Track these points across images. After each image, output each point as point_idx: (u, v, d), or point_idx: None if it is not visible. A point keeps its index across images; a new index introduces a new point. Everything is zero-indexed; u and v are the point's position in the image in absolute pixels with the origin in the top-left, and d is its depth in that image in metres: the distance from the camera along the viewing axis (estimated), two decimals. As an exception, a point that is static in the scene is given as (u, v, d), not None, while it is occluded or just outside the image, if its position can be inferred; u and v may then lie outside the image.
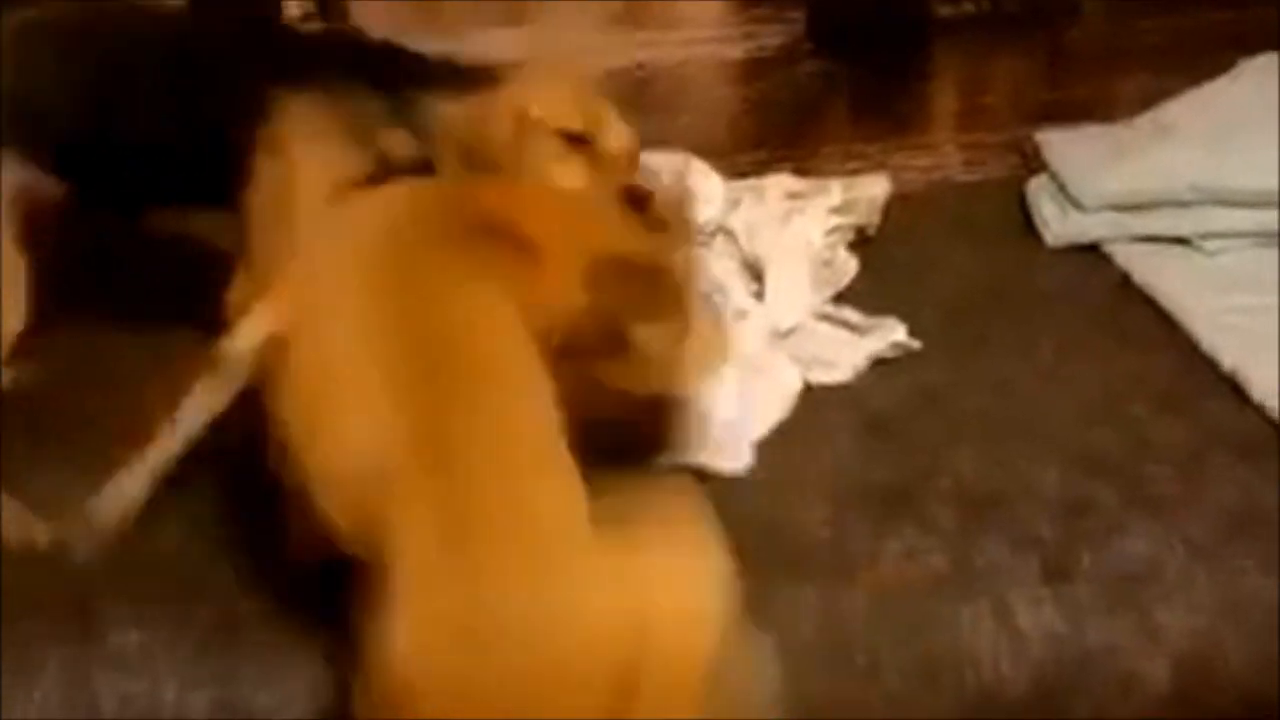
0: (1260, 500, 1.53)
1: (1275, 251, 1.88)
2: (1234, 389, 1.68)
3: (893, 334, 1.79)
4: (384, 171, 1.59)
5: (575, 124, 1.60)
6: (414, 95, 1.62)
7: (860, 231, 2.04)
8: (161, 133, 1.64)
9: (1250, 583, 1.48)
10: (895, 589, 1.48)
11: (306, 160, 1.59)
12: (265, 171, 1.60)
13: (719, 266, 1.89)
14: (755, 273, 1.91)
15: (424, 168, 1.61)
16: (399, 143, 1.62)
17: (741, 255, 1.94)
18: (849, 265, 1.97)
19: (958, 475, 1.60)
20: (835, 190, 2.01)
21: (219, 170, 1.61)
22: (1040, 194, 2.05)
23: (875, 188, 2.06)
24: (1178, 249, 1.92)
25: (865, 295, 1.91)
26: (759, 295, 1.87)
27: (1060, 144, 2.08)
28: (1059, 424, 1.67)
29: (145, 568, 1.50)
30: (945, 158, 2.16)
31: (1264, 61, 2.03)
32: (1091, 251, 1.98)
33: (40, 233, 1.64)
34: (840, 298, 1.91)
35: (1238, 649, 1.47)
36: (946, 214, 2.07)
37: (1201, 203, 1.91)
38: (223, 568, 1.51)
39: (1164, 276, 1.87)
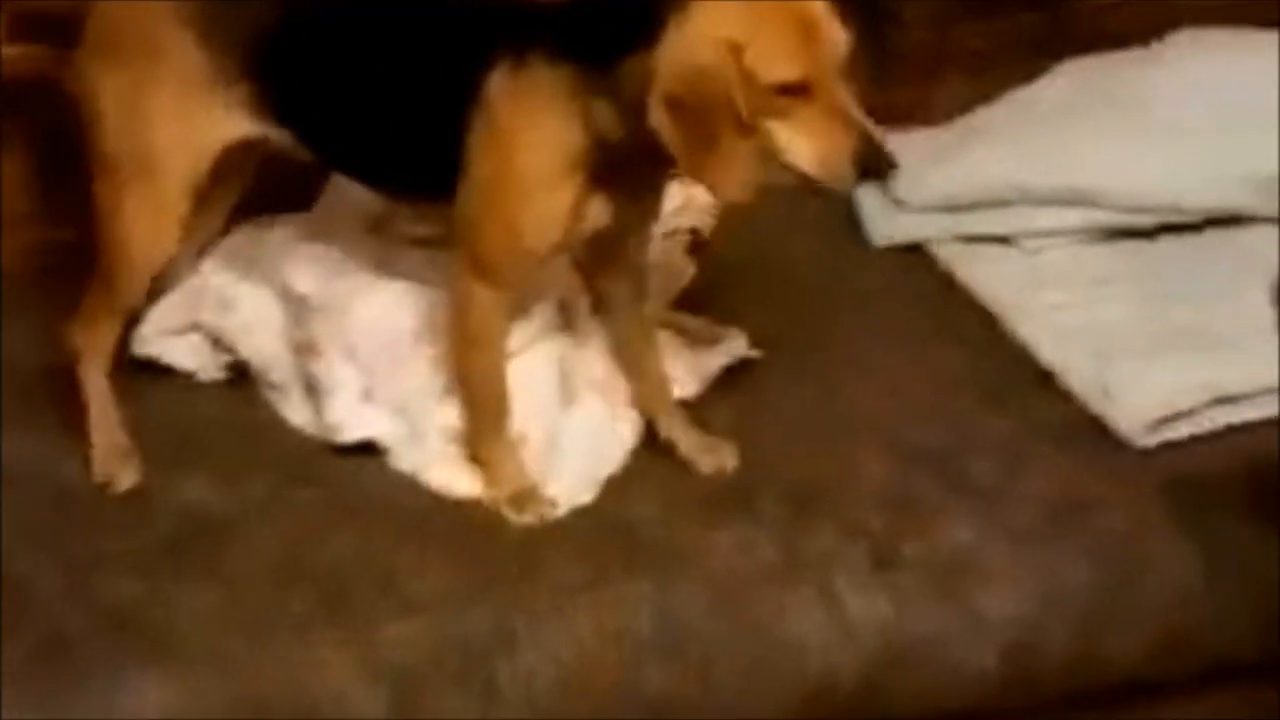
0: (1078, 488, 1.66)
1: (1091, 248, 2.02)
2: (1051, 382, 1.80)
3: (737, 348, 1.86)
4: (601, 150, 1.50)
5: (794, 72, 1.42)
6: (612, 58, 1.47)
7: (695, 234, 2.12)
8: (386, 109, 1.60)
9: (1070, 569, 1.60)
10: (727, 580, 1.56)
11: (528, 142, 1.52)
12: (482, 157, 1.54)
13: (559, 277, 1.94)
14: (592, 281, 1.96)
15: (630, 142, 1.49)
16: (605, 115, 1.49)
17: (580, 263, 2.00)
18: (686, 269, 2.05)
19: (788, 472, 1.70)
20: (674, 192, 2.07)
21: (442, 160, 1.56)
22: (867, 195, 2.15)
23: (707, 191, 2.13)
24: (998, 247, 2.04)
25: (703, 300, 1.99)
26: (597, 306, 1.92)
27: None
28: (886, 420, 1.77)
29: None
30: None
31: (1077, 64, 2.17)
32: (917, 251, 2.10)
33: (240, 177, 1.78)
34: (679, 303, 1.99)
35: (1059, 635, 1.59)
36: (778, 215, 2.16)
37: (1020, 202, 2.03)
38: (47, 576, 1.52)
39: (985, 274, 1.99)
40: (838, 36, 1.45)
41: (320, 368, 1.73)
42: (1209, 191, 1.98)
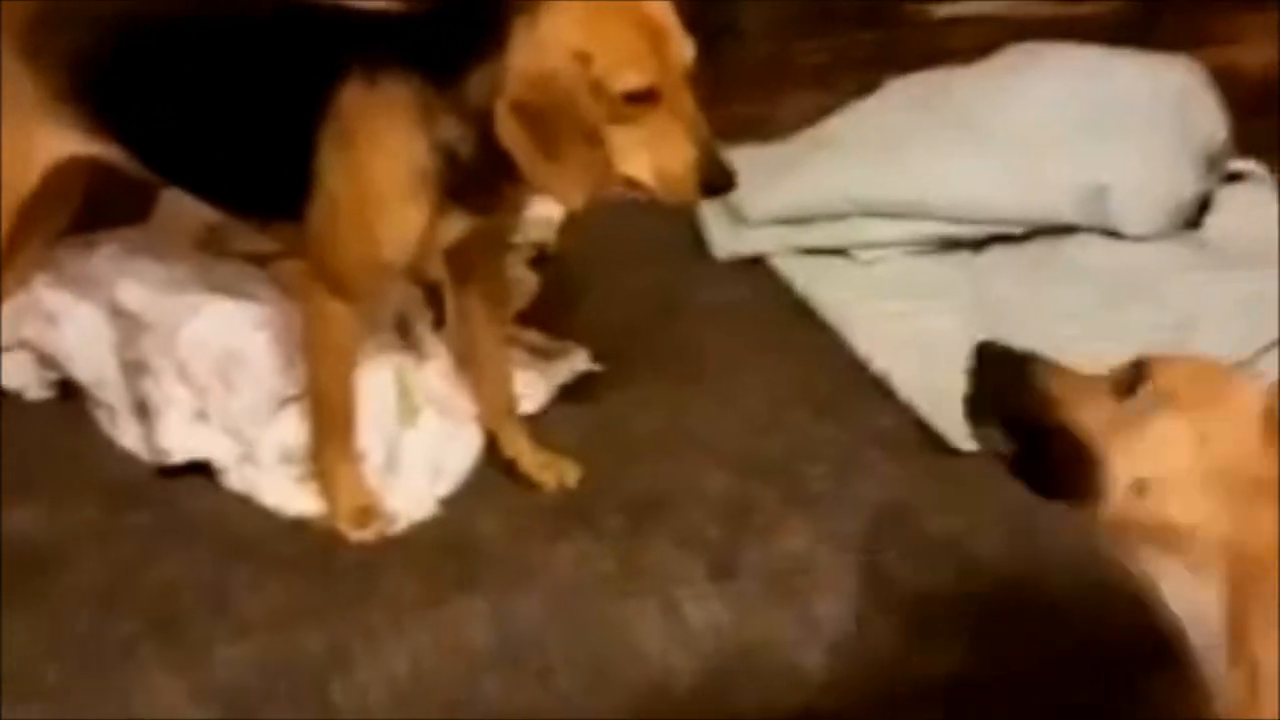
0: (904, 493, 1.73)
1: (923, 259, 2.11)
2: (884, 390, 1.88)
3: (579, 363, 1.90)
4: (452, 163, 1.52)
5: (641, 81, 1.44)
6: (460, 70, 1.49)
7: (539, 249, 2.17)
8: (224, 129, 1.60)
9: (899, 572, 1.67)
10: (567, 592, 1.61)
11: (380, 156, 1.53)
12: (334, 171, 1.55)
13: (400, 293, 1.96)
14: (433, 297, 2.00)
15: (482, 156, 1.51)
16: (454, 129, 1.51)
17: (422, 279, 2.03)
18: (529, 284, 2.09)
19: (629, 485, 1.74)
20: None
21: (286, 176, 1.57)
22: (710, 210, 2.23)
23: (551, 205, 2.18)
24: (835, 259, 2.12)
25: (546, 315, 2.03)
26: (439, 322, 1.96)
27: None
28: (725, 434, 1.82)
29: None
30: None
31: (911, 80, 2.26)
32: (759, 264, 2.16)
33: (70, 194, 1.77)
34: (521, 318, 2.04)
35: (888, 636, 1.66)
36: (623, 231, 2.21)
37: (855, 215, 2.12)
38: None
39: (823, 286, 2.06)
40: (684, 46, 1.49)
41: (151, 387, 1.75)
42: (1034, 203, 2.08)
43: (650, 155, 1.48)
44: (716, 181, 1.49)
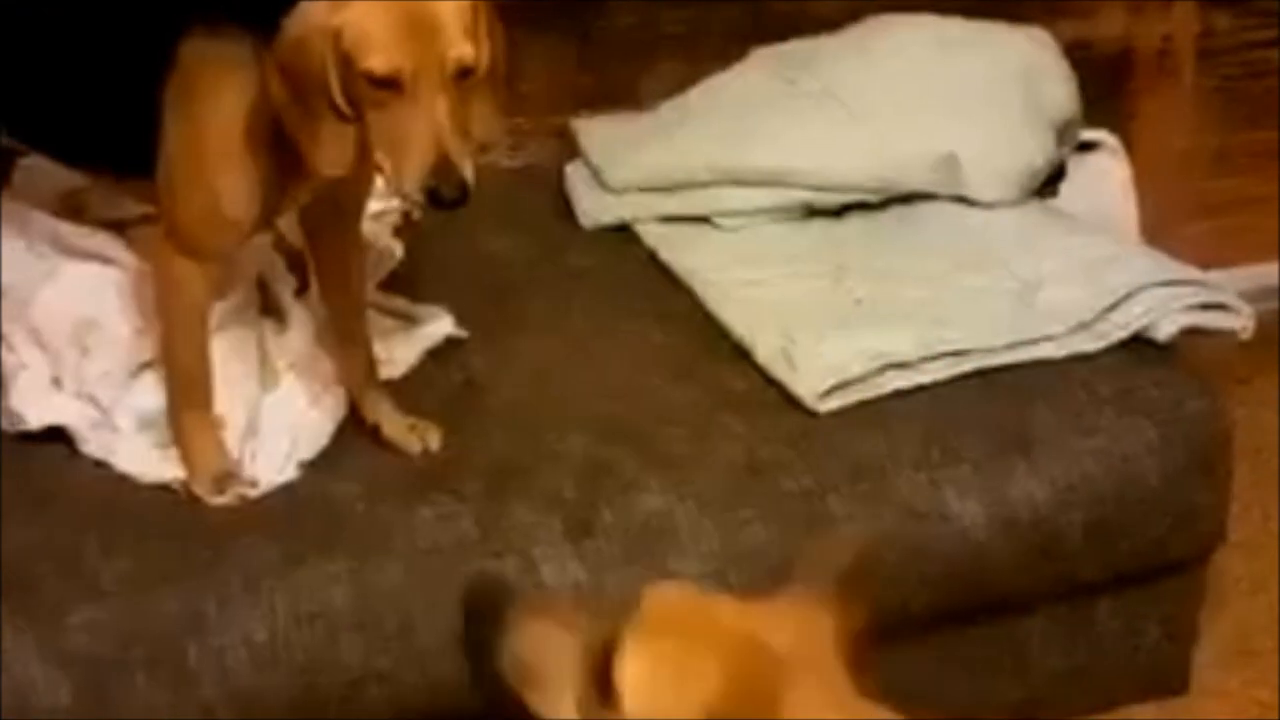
0: (761, 455, 1.77)
1: (783, 226, 2.15)
2: (742, 354, 1.91)
3: (443, 328, 1.92)
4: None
5: (384, 65, 1.42)
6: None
7: (406, 217, 2.17)
8: (72, 86, 1.59)
9: (752, 531, 1.71)
10: (427, 555, 1.63)
11: (218, 112, 1.53)
12: (177, 126, 1.55)
13: (262, 258, 1.97)
14: (296, 263, 2.00)
15: None
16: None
17: (284, 245, 2.04)
18: (395, 251, 2.10)
19: (491, 449, 1.77)
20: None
21: (141, 131, 1.56)
22: (576, 178, 2.26)
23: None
24: (698, 227, 2.15)
25: (411, 282, 2.04)
26: (302, 290, 1.95)
27: (593, 129, 2.29)
28: (586, 398, 1.85)
29: None
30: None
31: (772, 50, 2.29)
32: (624, 232, 2.19)
33: None
34: (386, 284, 2.05)
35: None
36: (491, 199, 2.21)
37: (717, 183, 2.15)
38: None
39: (686, 253, 2.10)
40: (454, 45, 1.44)
41: (5, 353, 1.73)
42: (890, 172, 2.12)
43: (388, 146, 1.46)
44: (444, 194, 1.44)
